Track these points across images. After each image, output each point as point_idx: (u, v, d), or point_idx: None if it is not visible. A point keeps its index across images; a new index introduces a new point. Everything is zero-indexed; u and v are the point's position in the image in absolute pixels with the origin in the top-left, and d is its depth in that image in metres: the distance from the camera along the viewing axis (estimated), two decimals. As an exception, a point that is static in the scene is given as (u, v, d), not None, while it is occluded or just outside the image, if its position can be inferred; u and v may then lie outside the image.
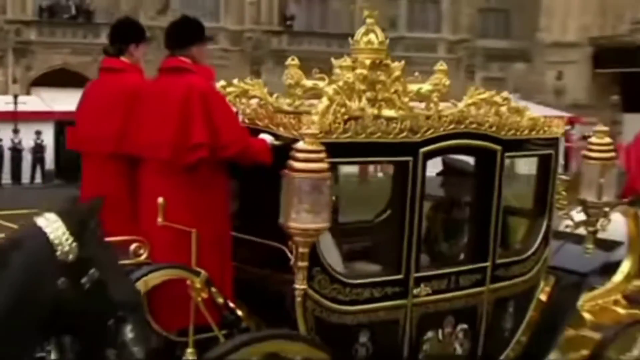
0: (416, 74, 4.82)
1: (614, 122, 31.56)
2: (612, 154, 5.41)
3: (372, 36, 4.78)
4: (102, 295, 3.09)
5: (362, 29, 4.82)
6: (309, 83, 4.77)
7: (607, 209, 5.45)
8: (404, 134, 4.42)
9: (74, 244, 3.03)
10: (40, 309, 2.93)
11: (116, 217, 3.99)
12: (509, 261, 5.16)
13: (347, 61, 4.60)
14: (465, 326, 4.94)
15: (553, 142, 5.32)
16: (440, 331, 4.81)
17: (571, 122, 29.36)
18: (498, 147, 4.93)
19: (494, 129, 4.86)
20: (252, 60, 30.82)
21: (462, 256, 5.24)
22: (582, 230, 5.58)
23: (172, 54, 4.36)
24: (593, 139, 5.33)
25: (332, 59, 4.82)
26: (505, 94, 5.03)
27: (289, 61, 4.90)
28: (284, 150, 4.06)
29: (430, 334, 4.77)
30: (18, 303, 2.89)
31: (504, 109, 4.95)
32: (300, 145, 3.95)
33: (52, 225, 3.02)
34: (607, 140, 5.42)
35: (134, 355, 3.17)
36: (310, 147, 3.95)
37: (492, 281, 5.05)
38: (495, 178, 4.97)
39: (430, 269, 4.80)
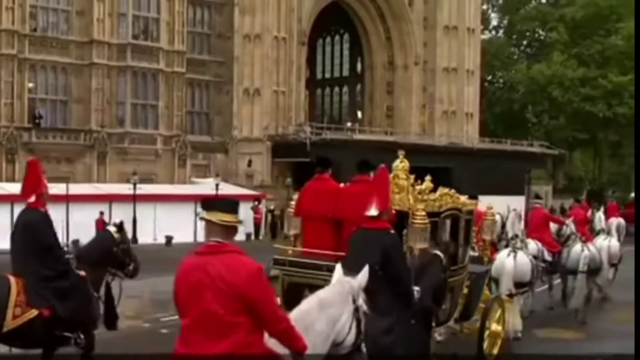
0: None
1: (289, 199, 40.24)
2: (495, 218, 10.75)
3: (404, 163, 8.38)
4: (446, 279, 7.73)
5: (399, 159, 8.46)
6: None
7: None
8: (438, 208, 8.30)
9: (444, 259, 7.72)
10: (438, 285, 7.37)
11: (327, 247, 7.82)
12: (462, 265, 9.00)
13: (398, 173, 8.31)
14: (451, 294, 8.67)
15: (472, 211, 9.46)
16: (448, 297, 8.56)
17: (258, 198, 36.03)
18: (461, 214, 8.93)
19: (460, 205, 8.82)
20: (7, 151, 33.64)
21: (453, 261, 8.69)
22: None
23: (360, 173, 8.03)
24: (488, 211, 10.39)
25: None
26: (453, 190, 8.95)
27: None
28: (398, 214, 7.59)
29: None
30: (437, 282, 7.11)
31: (455, 197, 8.85)
32: (418, 212, 7.81)
33: (438, 252, 7.58)
34: (493, 211, 10.63)
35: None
36: (422, 214, 7.85)
37: (459, 274, 8.86)
38: (460, 228, 8.94)
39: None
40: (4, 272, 7.30)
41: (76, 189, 32.68)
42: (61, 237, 8.08)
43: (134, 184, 31.83)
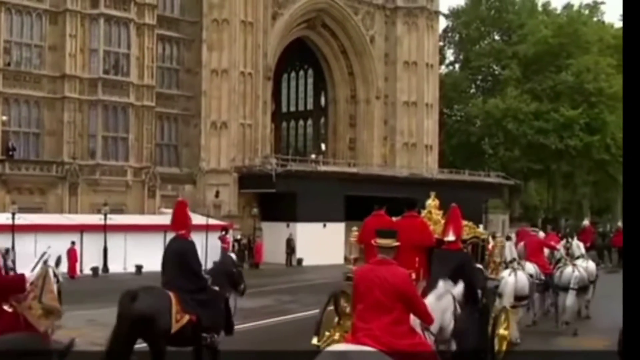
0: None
1: (256, 229, 39.92)
2: (503, 243, 13.26)
3: (435, 202, 11.02)
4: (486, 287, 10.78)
5: (431, 199, 11.10)
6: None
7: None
8: (465, 236, 10.31)
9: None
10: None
11: None
12: None
13: (432, 210, 10.92)
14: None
15: (485, 239, 11.78)
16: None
17: (225, 228, 36.47)
18: (480, 242, 11.30)
19: (478, 234, 11.26)
20: (-18, 182, 33.65)
21: None
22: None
23: (409, 210, 9.97)
24: (498, 240, 12.87)
25: (423, 211, 10.85)
26: (471, 223, 11.34)
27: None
28: (438, 241, 9.72)
29: None
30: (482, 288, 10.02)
31: (474, 228, 11.26)
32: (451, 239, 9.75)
33: (480, 266, 10.97)
34: (501, 239, 13.48)
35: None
36: (456, 241, 9.73)
37: None
38: (479, 253, 11.17)
39: None
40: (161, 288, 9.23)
41: (48, 219, 33.43)
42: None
43: (105, 215, 32.61)
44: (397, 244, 6.50)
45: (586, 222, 42.05)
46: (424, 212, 10.73)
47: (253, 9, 42.53)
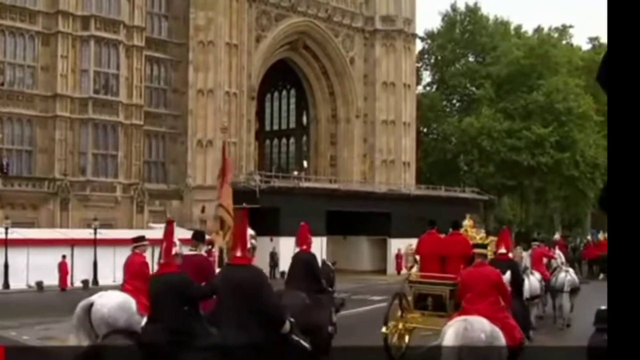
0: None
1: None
2: (522, 254, 17.12)
3: (470, 221, 13.49)
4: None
5: (467, 220, 13.58)
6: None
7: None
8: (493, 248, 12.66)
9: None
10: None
11: (437, 272, 12.16)
12: None
13: (467, 228, 13.12)
14: None
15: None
16: None
17: (212, 242, 38.77)
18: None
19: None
20: (-23, 198, 34.19)
21: None
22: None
23: (453, 229, 12.59)
24: (517, 251, 16.25)
25: (462, 230, 12.96)
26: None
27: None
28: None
29: None
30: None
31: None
32: (488, 252, 10.89)
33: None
34: (520, 250, 17.32)
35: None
36: (491, 252, 11.88)
37: None
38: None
39: None
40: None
41: (40, 233, 34.53)
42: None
43: (95, 229, 33.67)
44: (489, 253, 9.12)
45: (557, 236, 43.76)
46: (461, 230, 12.78)
47: (238, 32, 43.93)
